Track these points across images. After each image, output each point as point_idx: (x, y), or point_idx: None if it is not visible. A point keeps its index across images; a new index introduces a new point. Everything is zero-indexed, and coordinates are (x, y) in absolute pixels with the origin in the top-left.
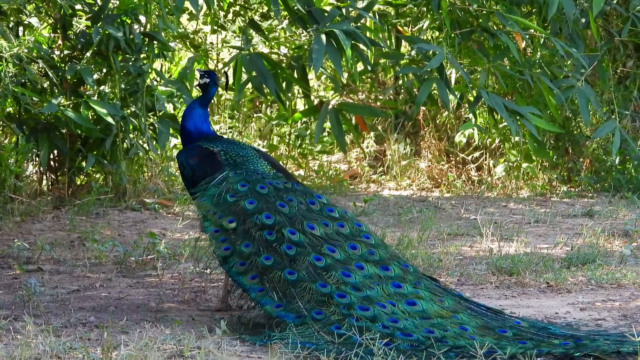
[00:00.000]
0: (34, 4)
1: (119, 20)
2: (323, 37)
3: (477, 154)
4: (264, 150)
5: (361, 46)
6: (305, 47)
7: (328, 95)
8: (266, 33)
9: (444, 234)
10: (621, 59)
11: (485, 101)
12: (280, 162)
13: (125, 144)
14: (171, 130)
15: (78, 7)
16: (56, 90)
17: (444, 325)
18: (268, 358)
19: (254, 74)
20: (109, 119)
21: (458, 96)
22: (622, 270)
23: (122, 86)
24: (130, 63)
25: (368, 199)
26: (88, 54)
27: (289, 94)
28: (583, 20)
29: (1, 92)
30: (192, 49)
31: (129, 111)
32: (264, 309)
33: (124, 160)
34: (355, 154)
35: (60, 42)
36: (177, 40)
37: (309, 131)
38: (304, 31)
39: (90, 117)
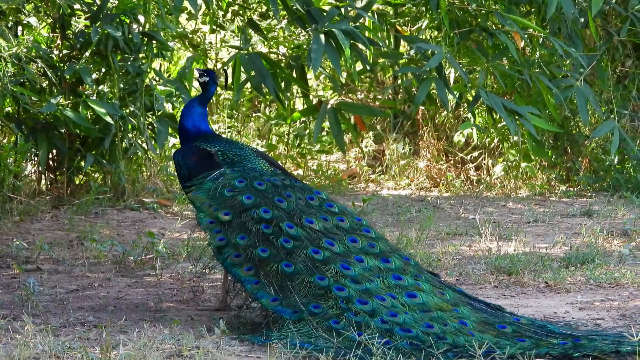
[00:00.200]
0: (32, 4)
1: (117, 20)
2: (322, 36)
3: (476, 154)
4: (263, 150)
5: (360, 46)
6: (304, 46)
7: (327, 95)
8: (265, 33)
9: (442, 233)
10: (620, 59)
11: (484, 101)
12: (279, 162)
13: (124, 143)
14: (170, 130)
15: (77, 6)
16: (55, 90)
17: (444, 319)
18: (267, 358)
19: (252, 73)
20: (108, 119)
21: (457, 96)
22: (621, 270)
23: (121, 86)
24: (129, 63)
25: (367, 199)
26: (87, 54)
27: (288, 94)
28: (582, 19)
29: (0, 91)
30: (191, 49)
31: (127, 111)
32: (260, 302)
33: (122, 159)
34: (354, 153)
35: (59, 41)
36: (176, 40)
37: (307, 131)
38: (303, 31)
39: (89, 117)
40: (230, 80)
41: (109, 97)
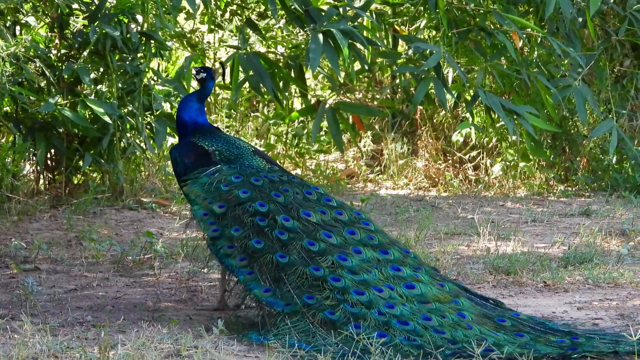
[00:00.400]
0: (31, 3)
1: (116, 20)
2: (320, 36)
3: (474, 153)
4: (261, 149)
5: (358, 45)
6: (303, 46)
7: (325, 95)
8: (263, 32)
9: (441, 233)
10: (618, 58)
11: (482, 100)
12: (278, 161)
13: (122, 143)
14: (168, 130)
15: (75, 6)
16: (53, 90)
17: (442, 310)
18: (265, 357)
19: (251, 73)
20: (106, 118)
21: (455, 95)
22: (619, 270)
23: (119, 85)
24: (128, 62)
25: (365, 198)
26: (85, 53)
27: (286, 93)
28: (580, 19)
29: None
30: (189, 48)
31: (126, 110)
32: (253, 293)
33: (121, 159)
34: (353, 153)
35: (57, 41)
36: (174, 40)
37: (306, 130)
38: (301, 30)
39: (88, 116)
40: (228, 76)
41: (107, 97)
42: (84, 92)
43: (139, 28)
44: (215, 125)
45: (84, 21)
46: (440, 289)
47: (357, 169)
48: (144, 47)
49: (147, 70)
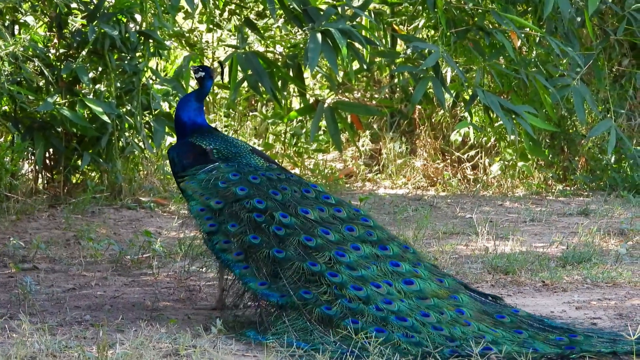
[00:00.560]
0: (29, 3)
1: (114, 19)
2: (319, 35)
3: (472, 153)
4: (260, 149)
5: (357, 45)
6: (301, 45)
7: (324, 94)
8: (262, 32)
9: (439, 232)
10: (617, 58)
11: (480, 100)
12: (276, 161)
13: (120, 142)
14: (167, 129)
15: (74, 5)
16: (52, 89)
17: (440, 307)
18: (264, 357)
19: (249, 72)
20: (105, 118)
21: (454, 95)
22: (618, 269)
23: (118, 85)
24: (126, 61)
25: (364, 198)
26: (84, 53)
27: (285, 93)
28: (578, 19)
29: None
30: (187, 48)
31: (124, 110)
32: (248, 286)
33: (119, 158)
34: (351, 152)
35: (55, 40)
36: (173, 39)
37: (304, 130)
38: (300, 30)
39: (86, 116)
40: (227, 75)
41: (105, 96)
42: (83, 91)
43: (138, 27)
44: (213, 125)
45: (83, 20)
46: (439, 285)
47: (356, 169)
48: (142, 47)
49: (145, 69)
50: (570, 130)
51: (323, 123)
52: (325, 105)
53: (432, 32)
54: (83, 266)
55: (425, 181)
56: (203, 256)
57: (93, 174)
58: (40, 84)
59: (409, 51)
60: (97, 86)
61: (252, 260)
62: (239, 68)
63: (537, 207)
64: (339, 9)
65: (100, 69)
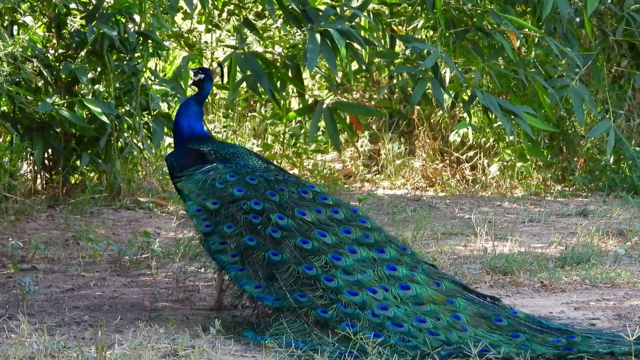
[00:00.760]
0: (28, 3)
1: (113, 19)
2: (317, 36)
3: (471, 153)
4: (258, 149)
5: (356, 45)
6: (300, 46)
7: (322, 95)
8: (261, 32)
9: (438, 233)
10: (615, 59)
11: (479, 100)
12: (275, 161)
13: (119, 143)
14: (166, 129)
15: (73, 6)
16: (51, 89)
17: (437, 312)
18: (262, 357)
19: (248, 73)
20: (104, 118)
21: (452, 95)
22: (616, 270)
23: (117, 85)
24: (125, 62)
25: (362, 198)
26: (82, 53)
27: (284, 93)
28: (577, 19)
29: None
30: (186, 48)
31: (123, 110)
32: (243, 289)
33: (118, 159)
34: (350, 153)
35: (54, 41)
36: (172, 39)
37: (303, 130)
38: (299, 30)
39: (85, 116)
40: (226, 76)
41: (104, 97)
42: (82, 91)
43: (137, 28)
44: (212, 126)
45: (82, 21)
46: (436, 289)
47: (355, 169)
48: (141, 47)
49: (144, 70)
50: (569, 131)
51: (322, 124)
52: (324, 105)
53: (431, 32)
54: (82, 266)
55: (424, 182)
56: (201, 257)
57: (92, 175)
58: (39, 84)
59: (407, 52)
60: (96, 87)
61: (248, 262)
62: (238, 68)
63: (535, 207)
64: (338, 9)
65: (99, 69)
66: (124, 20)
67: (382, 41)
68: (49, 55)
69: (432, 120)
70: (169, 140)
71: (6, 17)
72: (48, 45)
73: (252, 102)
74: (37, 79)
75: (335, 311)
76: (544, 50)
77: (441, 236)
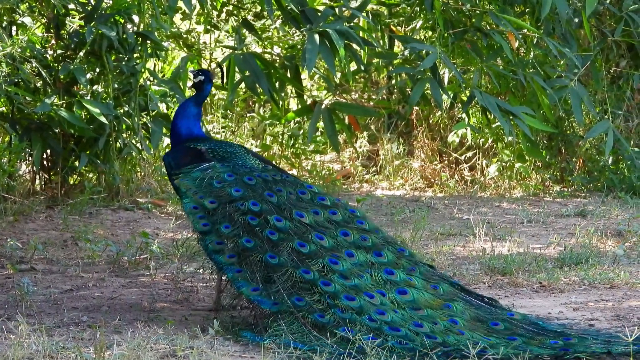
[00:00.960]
0: (27, 4)
1: (112, 20)
2: (316, 36)
3: (470, 154)
4: (257, 150)
5: (354, 46)
6: (299, 46)
7: (321, 95)
8: (259, 33)
9: (436, 233)
10: (614, 59)
11: (478, 101)
12: (273, 162)
13: (118, 143)
14: (164, 130)
15: (71, 6)
16: (49, 90)
17: (433, 317)
18: (261, 358)
19: (247, 73)
20: (102, 119)
21: (451, 96)
22: (615, 270)
23: (115, 86)
24: (124, 62)
25: (361, 199)
26: (81, 54)
27: (282, 94)
28: (576, 20)
29: None
30: (185, 49)
31: (122, 111)
32: (241, 291)
33: (117, 159)
34: (348, 153)
35: (53, 41)
36: (170, 40)
37: (302, 131)
38: (297, 31)
39: (84, 117)
40: (225, 77)
41: (103, 97)
42: (80, 92)
43: (135, 28)
44: (210, 127)
45: (80, 21)
46: (434, 293)
47: (353, 170)
48: (140, 48)
49: (143, 70)
50: (568, 132)
51: (320, 124)
52: (323, 106)
53: (430, 33)
54: (80, 267)
55: (422, 182)
56: (200, 257)
57: (90, 175)
58: (38, 85)
59: (406, 52)
60: (95, 87)
61: (245, 264)
62: (237, 69)
63: (534, 208)
64: (337, 10)
65: (97, 70)
66: (122, 21)
67: (381, 42)
68: (47, 55)
69: (430, 121)
70: (167, 140)
71: (5, 18)
72: (47, 45)
73: (250, 103)
74: (35, 79)
75: (332, 316)
76: (543, 50)
77: (440, 237)
